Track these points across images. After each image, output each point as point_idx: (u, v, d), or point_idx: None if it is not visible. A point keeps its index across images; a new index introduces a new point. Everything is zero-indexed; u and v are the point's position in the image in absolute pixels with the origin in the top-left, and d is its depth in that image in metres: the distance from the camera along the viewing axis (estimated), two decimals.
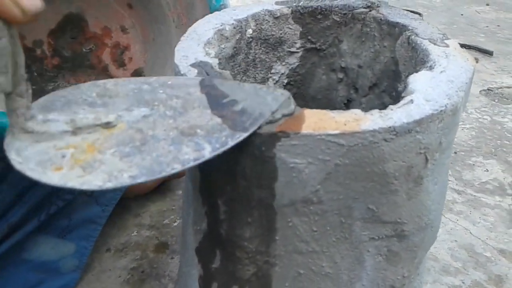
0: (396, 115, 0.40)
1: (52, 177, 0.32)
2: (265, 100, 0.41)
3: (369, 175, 0.42)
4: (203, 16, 0.60)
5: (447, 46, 0.53)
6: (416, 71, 0.49)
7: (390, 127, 0.39)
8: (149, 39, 0.98)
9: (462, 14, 2.43)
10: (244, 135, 0.38)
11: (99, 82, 0.40)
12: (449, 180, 1.16)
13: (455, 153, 1.27)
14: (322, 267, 0.47)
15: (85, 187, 0.32)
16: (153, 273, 0.89)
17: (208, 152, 0.36)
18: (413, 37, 0.56)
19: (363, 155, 0.40)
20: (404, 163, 0.42)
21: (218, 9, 0.75)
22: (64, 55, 0.97)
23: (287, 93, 0.42)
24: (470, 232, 1.00)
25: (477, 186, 1.14)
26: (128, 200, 1.03)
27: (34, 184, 0.76)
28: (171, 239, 0.97)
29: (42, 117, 0.36)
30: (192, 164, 0.35)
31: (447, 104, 0.43)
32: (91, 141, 0.35)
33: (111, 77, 1.01)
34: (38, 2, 0.34)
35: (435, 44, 0.53)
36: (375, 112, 0.41)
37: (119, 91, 0.40)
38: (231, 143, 0.37)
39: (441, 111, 0.42)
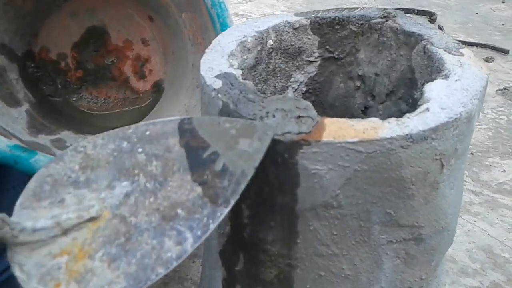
0: (413, 123, 0.42)
1: None
2: (249, 148, 0.39)
3: (386, 180, 0.43)
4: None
5: (462, 55, 0.55)
6: (432, 79, 0.51)
7: (407, 134, 0.41)
8: (169, 52, 1.00)
9: (477, 13, 2.41)
10: (226, 210, 0.38)
11: (79, 147, 0.41)
12: (466, 181, 1.16)
13: (472, 154, 1.27)
14: (342, 269, 0.49)
15: None
16: (176, 277, 0.90)
17: (190, 245, 0.37)
18: (428, 46, 0.57)
19: (381, 161, 0.42)
20: (421, 169, 0.44)
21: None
22: (87, 67, 1.00)
23: (272, 130, 0.40)
24: (488, 233, 1.00)
25: (494, 187, 1.14)
26: None
27: None
28: None
29: (31, 225, 0.37)
30: (175, 264, 0.36)
31: (462, 112, 0.44)
32: (81, 242, 0.37)
33: (132, 89, 1.04)
34: None
35: (450, 53, 0.55)
36: (392, 120, 0.43)
37: (99, 158, 0.41)
38: (212, 226, 0.37)
39: (456, 118, 0.44)
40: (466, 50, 0.56)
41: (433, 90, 0.48)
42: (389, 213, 0.46)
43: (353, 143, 0.41)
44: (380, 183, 0.44)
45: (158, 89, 1.02)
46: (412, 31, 0.61)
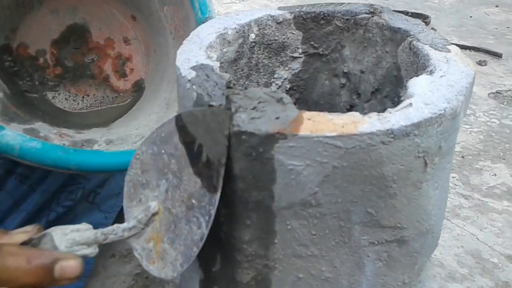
0: (394, 118, 0.40)
1: (154, 270, 0.45)
2: (216, 134, 0.42)
3: (367, 178, 0.42)
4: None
5: (449, 51, 0.53)
6: (417, 76, 0.49)
7: (388, 129, 0.39)
8: (151, 51, 0.99)
9: (471, 16, 2.42)
10: (217, 196, 0.42)
11: (136, 156, 0.48)
12: (456, 185, 1.15)
13: (463, 157, 1.26)
14: (321, 271, 0.47)
15: (166, 277, 0.44)
16: (157, 279, 0.89)
17: (205, 228, 0.42)
18: (414, 42, 0.56)
19: (360, 157, 0.40)
20: (403, 167, 0.42)
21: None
22: (66, 65, 0.98)
23: (227, 115, 0.43)
24: (477, 238, 0.99)
25: (484, 190, 1.13)
26: None
27: (31, 191, 0.76)
28: None
29: (126, 225, 0.46)
30: (201, 244, 0.42)
31: (446, 108, 0.42)
32: (156, 231, 0.46)
33: (112, 87, 1.02)
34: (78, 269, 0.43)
35: (436, 49, 0.53)
36: (373, 114, 0.41)
37: (147, 163, 0.48)
38: (212, 211, 0.42)
39: (440, 114, 0.42)
40: (453, 47, 0.54)
41: (417, 85, 0.46)
42: (370, 212, 0.44)
43: (332, 137, 0.39)
44: (360, 181, 0.42)
45: (138, 88, 1.00)
46: (398, 27, 0.59)
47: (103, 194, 0.86)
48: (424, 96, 0.44)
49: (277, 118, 0.40)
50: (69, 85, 0.98)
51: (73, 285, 0.82)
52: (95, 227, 0.84)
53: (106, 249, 0.94)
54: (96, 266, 0.90)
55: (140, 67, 1.01)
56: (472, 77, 0.48)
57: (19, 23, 0.91)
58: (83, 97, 0.98)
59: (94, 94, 1.00)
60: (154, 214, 0.46)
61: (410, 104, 0.43)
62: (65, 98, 0.97)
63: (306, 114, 0.41)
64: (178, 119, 0.45)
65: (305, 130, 0.39)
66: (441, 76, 0.48)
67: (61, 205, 0.80)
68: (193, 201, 0.43)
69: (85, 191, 0.84)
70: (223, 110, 0.42)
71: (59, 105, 0.96)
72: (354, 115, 0.41)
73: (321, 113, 0.41)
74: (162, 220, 0.46)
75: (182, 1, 0.81)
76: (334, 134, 0.39)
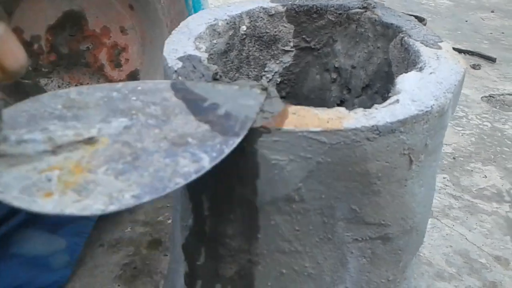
0: (380, 114, 0.40)
1: (44, 205, 0.30)
2: (247, 102, 0.40)
3: (351, 174, 0.41)
4: None
5: (440, 48, 0.53)
6: (407, 72, 0.49)
7: (373, 126, 0.39)
8: (147, 42, 0.98)
9: (466, 21, 2.42)
10: (238, 140, 0.37)
11: (60, 92, 0.38)
12: (447, 185, 1.15)
13: (454, 158, 1.26)
14: (304, 267, 0.47)
15: (86, 213, 0.31)
16: (145, 270, 0.89)
17: (207, 162, 0.35)
18: (406, 38, 0.55)
19: (345, 153, 0.40)
20: (387, 164, 0.41)
21: None
22: (61, 52, 0.97)
23: (264, 91, 0.41)
24: (466, 238, 0.99)
25: (474, 192, 1.13)
26: None
27: None
28: (164, 236, 0.96)
29: (16, 137, 0.34)
30: (194, 177, 0.34)
31: (434, 105, 0.42)
32: (76, 160, 0.33)
33: (106, 77, 1.00)
34: (22, 59, 0.33)
35: (427, 45, 0.53)
36: (359, 110, 0.40)
37: (87, 101, 0.38)
38: (227, 150, 0.36)
39: (426, 112, 0.41)
40: (444, 44, 0.54)
41: (406, 82, 0.45)
42: (354, 209, 0.44)
43: (316, 132, 0.39)
44: (345, 177, 0.41)
45: (133, 79, 0.99)
46: (391, 23, 0.59)
47: None
48: (412, 93, 0.43)
49: (262, 111, 0.40)
50: (63, 72, 0.97)
51: (60, 273, 0.82)
52: (83, 217, 0.84)
53: (95, 239, 0.94)
54: (84, 255, 0.90)
55: (135, 58, 0.99)
56: (461, 75, 0.48)
57: (15, 7, 0.89)
58: (76, 85, 0.97)
59: (88, 83, 0.99)
60: (86, 142, 0.35)
61: (397, 101, 0.42)
62: (58, 86, 0.95)
63: (291, 108, 0.40)
64: (177, 83, 0.42)
65: (289, 124, 0.39)
66: (431, 73, 0.47)
67: None
68: (189, 139, 0.36)
69: None
70: (261, 85, 0.41)
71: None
72: (340, 110, 0.40)
73: (306, 108, 0.41)
74: (100, 151, 0.35)
75: None
76: (318, 129, 0.38)
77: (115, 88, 0.40)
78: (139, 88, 0.40)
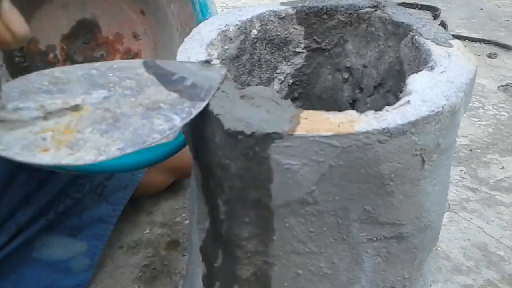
0: (391, 116, 0.40)
1: (43, 158, 0.34)
2: (211, 75, 0.46)
3: (364, 176, 0.42)
4: None
5: (451, 46, 0.53)
6: (418, 71, 0.49)
7: (384, 128, 0.39)
8: (159, 46, 0.98)
9: (481, 8, 2.38)
10: (203, 104, 0.42)
11: (45, 71, 0.43)
12: (464, 178, 1.14)
13: (470, 150, 1.25)
14: (320, 267, 0.48)
15: (80, 162, 0.35)
16: (165, 270, 0.90)
17: (178, 122, 0.40)
18: (416, 37, 0.55)
19: (357, 156, 0.40)
20: (400, 165, 0.42)
21: None
22: (76, 60, 0.98)
23: (225, 66, 0.48)
24: (484, 231, 0.98)
25: (492, 184, 1.12)
26: (141, 197, 1.05)
27: (43, 185, 0.77)
28: (182, 237, 0.98)
29: (12, 106, 0.38)
30: (168, 132, 0.39)
31: (445, 105, 0.42)
32: (65, 124, 0.38)
33: None
34: (25, 27, 0.37)
35: (438, 44, 0.53)
36: (370, 113, 0.41)
37: (69, 78, 0.43)
38: (194, 112, 0.41)
39: (438, 112, 0.42)
40: (455, 41, 0.54)
41: (417, 82, 0.46)
42: (367, 210, 0.44)
43: (328, 137, 0.39)
44: (357, 179, 0.42)
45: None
46: (401, 21, 0.59)
47: (110, 187, 0.87)
48: (422, 93, 0.44)
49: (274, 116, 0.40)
50: None
51: (81, 276, 0.84)
52: (103, 219, 0.85)
53: (114, 241, 0.95)
54: (104, 257, 0.91)
55: None
56: (473, 73, 0.48)
57: (30, 18, 0.91)
58: None
59: None
60: (72, 109, 0.39)
61: (408, 102, 0.42)
62: None
63: (303, 114, 0.41)
64: (148, 61, 0.47)
65: (301, 129, 0.39)
66: (442, 72, 0.47)
67: (70, 197, 0.81)
68: (162, 105, 0.42)
69: (93, 184, 0.85)
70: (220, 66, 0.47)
71: None
72: (351, 114, 0.41)
73: (318, 112, 0.41)
74: (85, 117, 0.39)
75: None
76: (330, 133, 0.39)
77: (93, 67, 0.45)
78: (115, 66, 0.46)
